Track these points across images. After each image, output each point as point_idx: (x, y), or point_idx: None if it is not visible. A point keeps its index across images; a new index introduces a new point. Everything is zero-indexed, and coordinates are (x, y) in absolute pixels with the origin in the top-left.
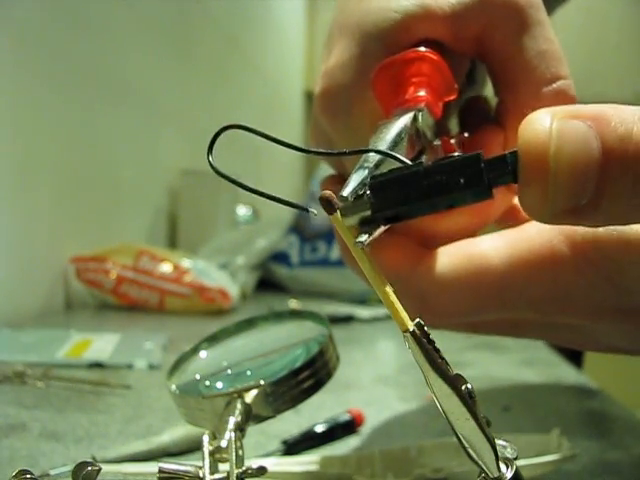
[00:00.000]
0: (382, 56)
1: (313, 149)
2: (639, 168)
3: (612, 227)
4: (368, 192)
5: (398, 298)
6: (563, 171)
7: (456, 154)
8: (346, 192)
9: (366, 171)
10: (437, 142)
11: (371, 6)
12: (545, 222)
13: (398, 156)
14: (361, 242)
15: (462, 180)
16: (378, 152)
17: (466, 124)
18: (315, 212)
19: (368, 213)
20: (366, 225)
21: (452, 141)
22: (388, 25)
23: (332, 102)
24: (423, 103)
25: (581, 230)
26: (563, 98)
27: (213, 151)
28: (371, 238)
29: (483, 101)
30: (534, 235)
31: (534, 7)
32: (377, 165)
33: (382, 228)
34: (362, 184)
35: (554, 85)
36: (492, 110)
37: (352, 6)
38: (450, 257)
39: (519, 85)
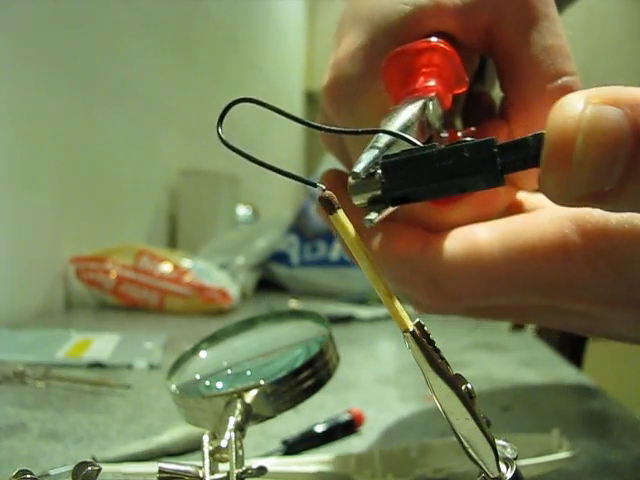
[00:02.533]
0: (391, 48)
1: (324, 125)
2: None
3: (624, 219)
4: (379, 171)
5: (398, 298)
6: (589, 159)
7: (469, 139)
8: (358, 168)
9: (377, 151)
10: (444, 134)
11: None
12: (563, 205)
13: (410, 138)
14: (370, 220)
15: (475, 164)
16: (391, 133)
17: (471, 119)
18: (323, 187)
19: (378, 192)
20: (375, 204)
21: (459, 134)
22: (398, 17)
23: (339, 93)
24: (433, 93)
25: (593, 220)
26: (567, 94)
27: (223, 125)
28: (380, 217)
29: (487, 97)
30: (546, 222)
31: (543, 1)
32: (388, 146)
33: (390, 209)
34: (374, 163)
35: (559, 81)
36: (496, 106)
37: None
38: (460, 240)
39: (524, 80)
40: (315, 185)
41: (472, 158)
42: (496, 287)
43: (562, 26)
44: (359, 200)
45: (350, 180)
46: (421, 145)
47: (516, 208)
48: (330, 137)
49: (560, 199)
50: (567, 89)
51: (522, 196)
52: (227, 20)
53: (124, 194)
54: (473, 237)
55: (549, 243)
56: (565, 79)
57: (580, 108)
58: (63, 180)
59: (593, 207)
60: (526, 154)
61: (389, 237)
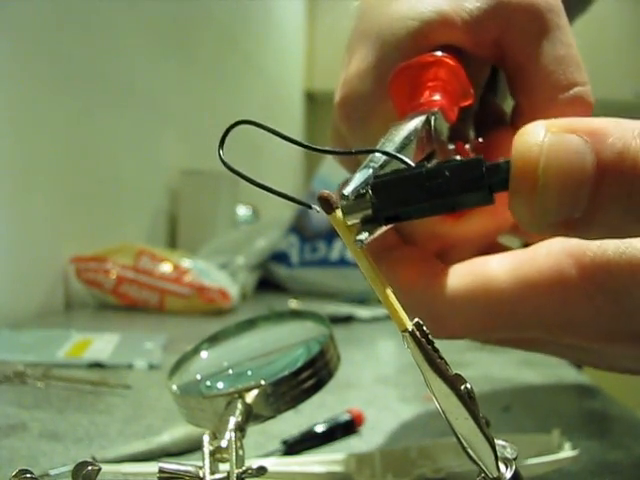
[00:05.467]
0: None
1: (319, 147)
2: (635, 184)
3: (621, 251)
4: (370, 191)
5: (397, 298)
6: (552, 185)
7: (458, 157)
8: (347, 190)
9: (370, 170)
10: (451, 147)
11: (389, 14)
12: (536, 233)
13: (402, 157)
14: (360, 240)
15: (463, 183)
16: (383, 153)
17: (481, 129)
18: (318, 209)
19: (369, 212)
20: (367, 224)
21: (467, 146)
22: (406, 33)
23: (351, 110)
24: (437, 107)
25: (590, 253)
26: (579, 105)
27: (224, 146)
28: (371, 237)
29: (498, 107)
30: (543, 257)
31: (554, 11)
32: (382, 166)
33: (383, 228)
34: (365, 183)
35: (571, 92)
36: (507, 116)
37: (371, 14)
38: (462, 277)
39: (535, 90)
40: (310, 207)
41: (460, 177)
42: (497, 324)
43: (573, 36)
44: (352, 220)
45: (341, 201)
46: (412, 164)
47: None
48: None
49: (530, 227)
50: (579, 99)
51: None
52: (227, 20)
53: (124, 194)
54: (473, 274)
55: (547, 278)
56: (577, 89)
57: (541, 135)
58: (63, 180)
59: (568, 236)
60: (501, 178)
61: (397, 265)
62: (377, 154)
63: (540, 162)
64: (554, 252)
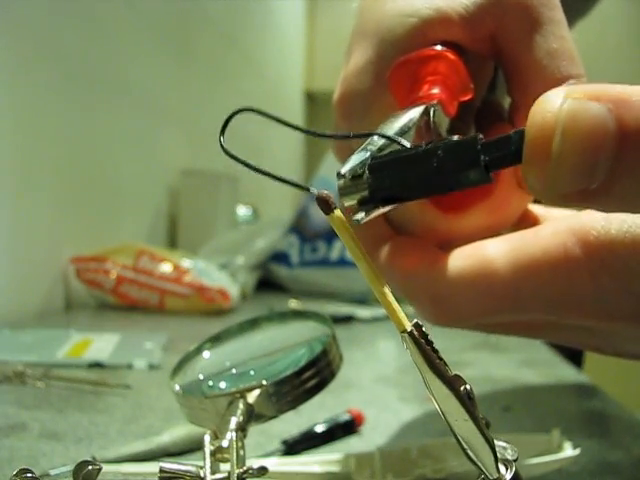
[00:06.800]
0: None
1: (319, 132)
2: None
3: (625, 229)
4: (367, 172)
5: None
6: (569, 153)
7: (455, 137)
8: (344, 170)
9: (368, 153)
10: None
11: (387, 12)
12: (551, 203)
13: (398, 139)
14: (357, 220)
15: (459, 162)
16: (381, 136)
17: (481, 125)
18: (316, 192)
19: (366, 193)
20: (364, 205)
21: None
22: (403, 30)
23: (350, 107)
24: (436, 100)
25: (595, 232)
26: None
27: (225, 141)
28: (368, 218)
29: (497, 103)
30: (547, 237)
31: (547, 5)
32: (380, 149)
33: (380, 209)
34: (362, 164)
35: (565, 85)
36: (506, 112)
37: (369, 12)
38: (463, 259)
39: (530, 85)
40: (308, 189)
41: (456, 156)
42: (499, 306)
43: (568, 29)
44: (348, 201)
45: (338, 181)
46: (409, 146)
47: (530, 218)
48: (343, 149)
49: (543, 196)
50: None
51: (541, 211)
52: (227, 20)
53: (124, 194)
54: (475, 256)
55: (552, 257)
56: (571, 82)
57: (559, 102)
58: (63, 180)
59: (582, 206)
60: (509, 150)
61: (397, 252)
62: (375, 138)
63: (557, 129)
64: (559, 231)
